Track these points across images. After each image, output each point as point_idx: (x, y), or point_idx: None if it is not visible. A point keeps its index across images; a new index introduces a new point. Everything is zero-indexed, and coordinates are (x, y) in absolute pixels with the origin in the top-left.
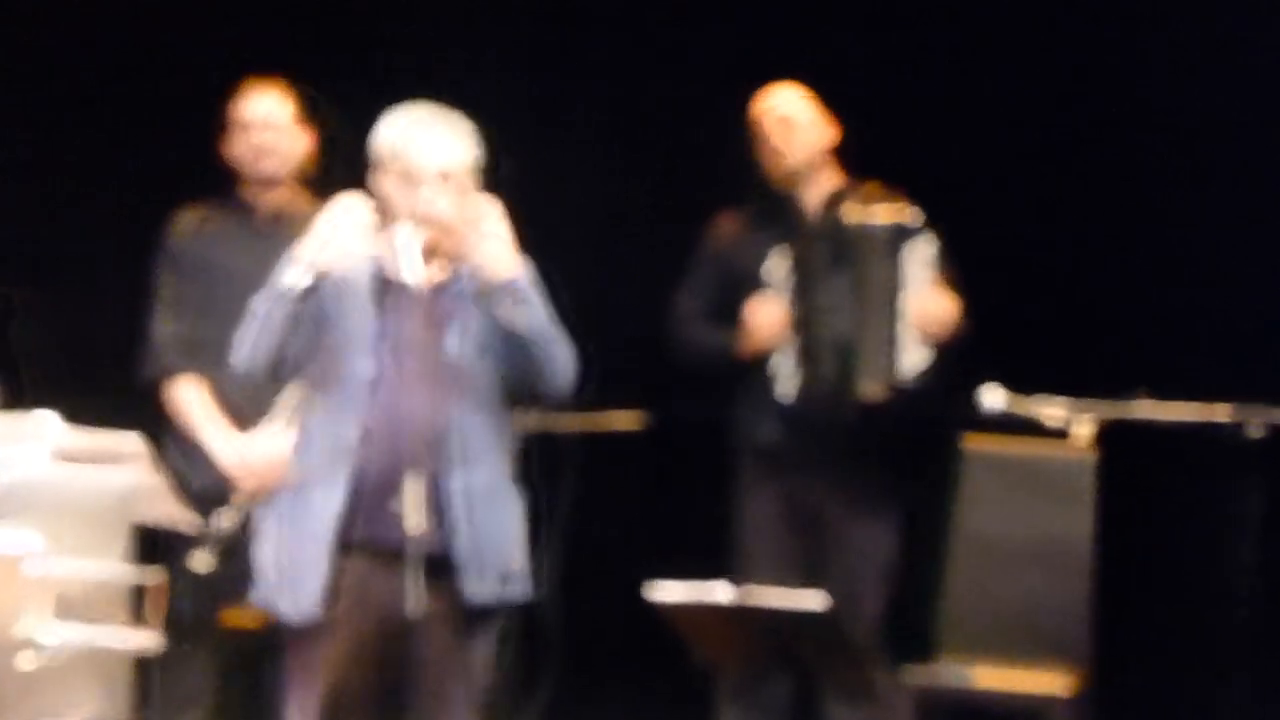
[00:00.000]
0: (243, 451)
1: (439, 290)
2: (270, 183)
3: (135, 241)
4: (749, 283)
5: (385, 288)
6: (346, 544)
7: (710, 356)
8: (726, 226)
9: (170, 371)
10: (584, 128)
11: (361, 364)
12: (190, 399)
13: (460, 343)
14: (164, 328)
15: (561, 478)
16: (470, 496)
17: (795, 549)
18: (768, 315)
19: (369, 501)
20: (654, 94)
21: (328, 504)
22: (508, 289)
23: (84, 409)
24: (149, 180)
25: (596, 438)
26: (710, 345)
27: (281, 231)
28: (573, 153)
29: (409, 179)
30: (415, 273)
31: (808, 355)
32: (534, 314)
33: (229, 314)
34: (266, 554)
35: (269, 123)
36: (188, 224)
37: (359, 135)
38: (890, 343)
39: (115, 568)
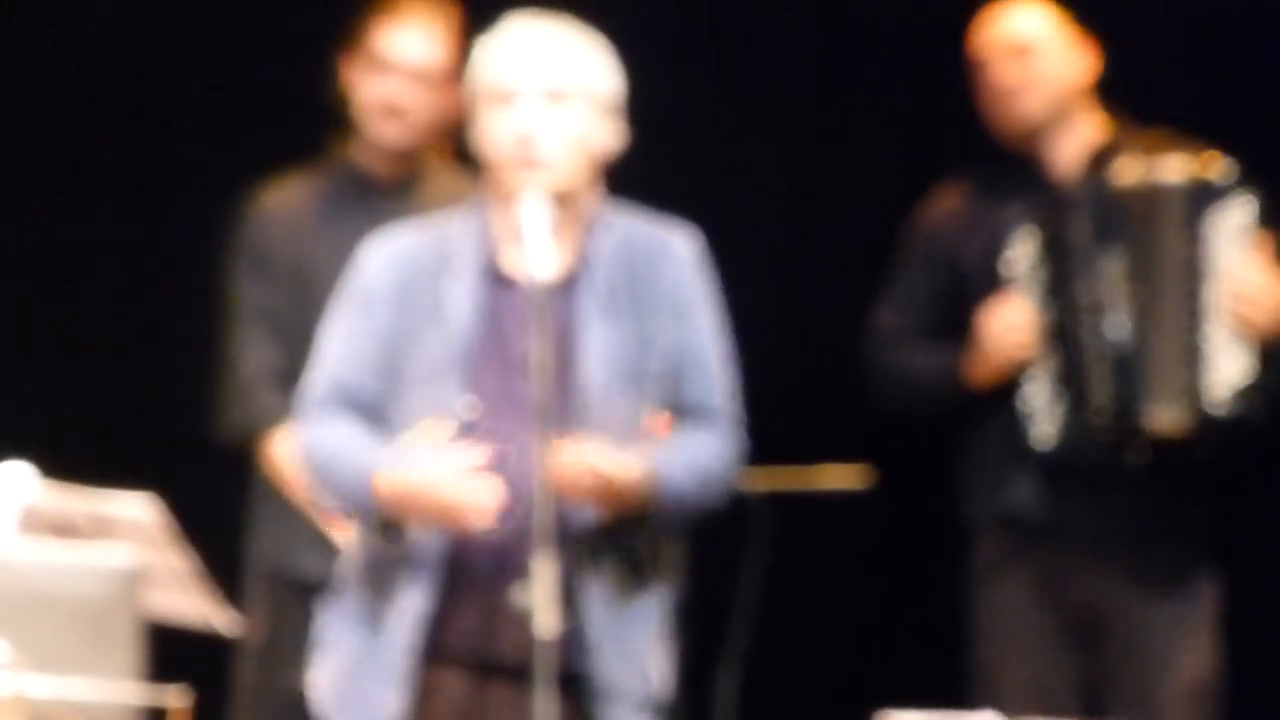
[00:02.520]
0: None
1: (566, 288)
2: (389, 154)
3: (161, 226)
4: (980, 280)
5: (494, 285)
6: (438, 654)
7: (927, 388)
8: (943, 205)
9: (266, 420)
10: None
11: (455, 399)
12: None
13: (598, 364)
14: (251, 358)
15: (748, 558)
16: (607, 593)
17: (1063, 661)
18: (1009, 323)
19: (471, 595)
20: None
21: (411, 597)
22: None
23: (70, 460)
24: (208, 130)
25: (799, 500)
26: (926, 372)
27: (410, 213)
28: (764, 114)
29: (502, 101)
30: (545, 261)
31: (1071, 377)
32: (678, 498)
33: None
34: (326, 665)
35: (415, 69)
36: (269, 210)
37: None
38: (1194, 351)
39: (118, 685)
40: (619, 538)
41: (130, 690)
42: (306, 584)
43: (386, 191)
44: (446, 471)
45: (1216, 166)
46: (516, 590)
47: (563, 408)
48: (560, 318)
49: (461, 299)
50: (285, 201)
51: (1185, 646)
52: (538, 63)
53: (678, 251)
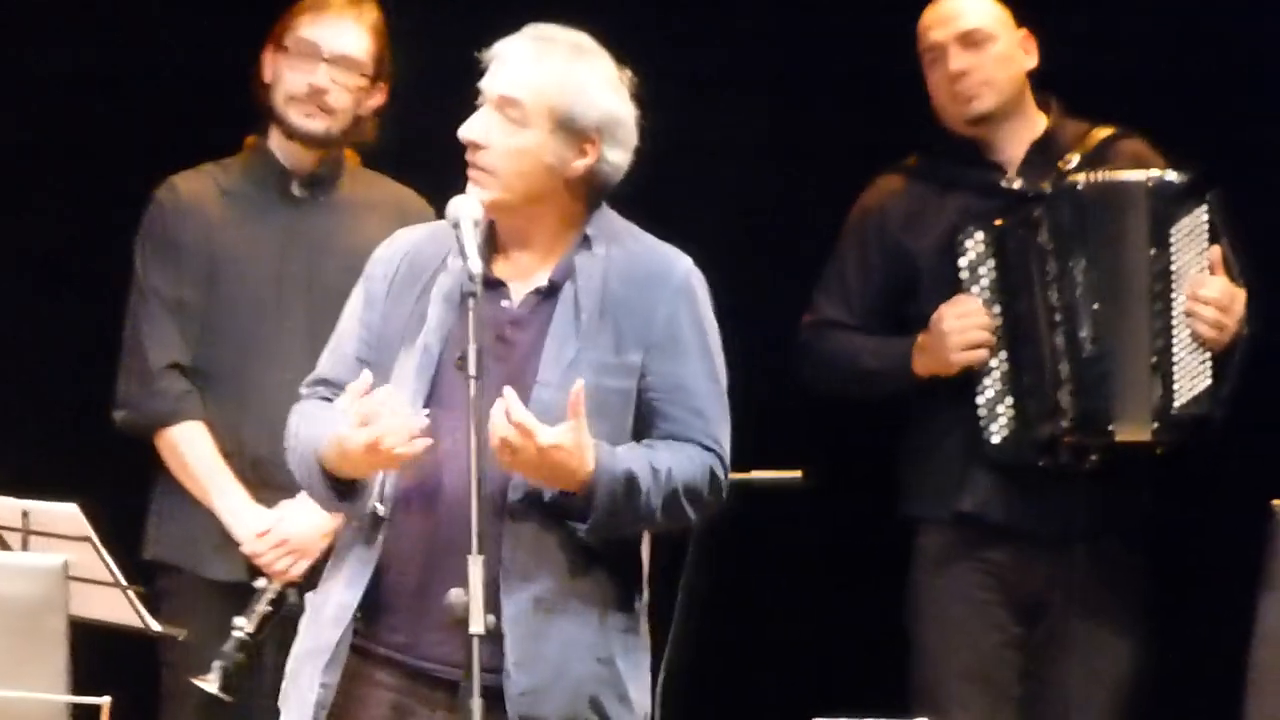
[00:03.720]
0: (273, 526)
1: (539, 302)
2: (313, 144)
3: (86, 216)
4: (935, 275)
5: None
6: (367, 650)
7: (876, 374)
8: (888, 194)
9: (168, 416)
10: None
11: (410, 397)
12: (197, 454)
13: (554, 380)
14: (155, 351)
15: (687, 566)
16: (533, 615)
17: (1008, 654)
18: (967, 323)
19: (405, 593)
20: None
21: (347, 590)
22: (580, 507)
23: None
24: (114, 122)
25: (738, 502)
26: (873, 358)
27: (327, 208)
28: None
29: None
30: (474, 259)
31: (1033, 380)
32: (633, 510)
33: (247, 328)
34: (291, 656)
35: (341, 57)
36: (183, 197)
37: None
38: (1158, 356)
39: (45, 688)
40: (557, 512)
41: (56, 693)
42: (212, 582)
43: (304, 186)
44: (367, 414)
45: (1174, 171)
46: (455, 593)
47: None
48: (528, 331)
49: (439, 302)
50: (199, 191)
51: (1128, 642)
52: (502, 70)
53: (672, 281)
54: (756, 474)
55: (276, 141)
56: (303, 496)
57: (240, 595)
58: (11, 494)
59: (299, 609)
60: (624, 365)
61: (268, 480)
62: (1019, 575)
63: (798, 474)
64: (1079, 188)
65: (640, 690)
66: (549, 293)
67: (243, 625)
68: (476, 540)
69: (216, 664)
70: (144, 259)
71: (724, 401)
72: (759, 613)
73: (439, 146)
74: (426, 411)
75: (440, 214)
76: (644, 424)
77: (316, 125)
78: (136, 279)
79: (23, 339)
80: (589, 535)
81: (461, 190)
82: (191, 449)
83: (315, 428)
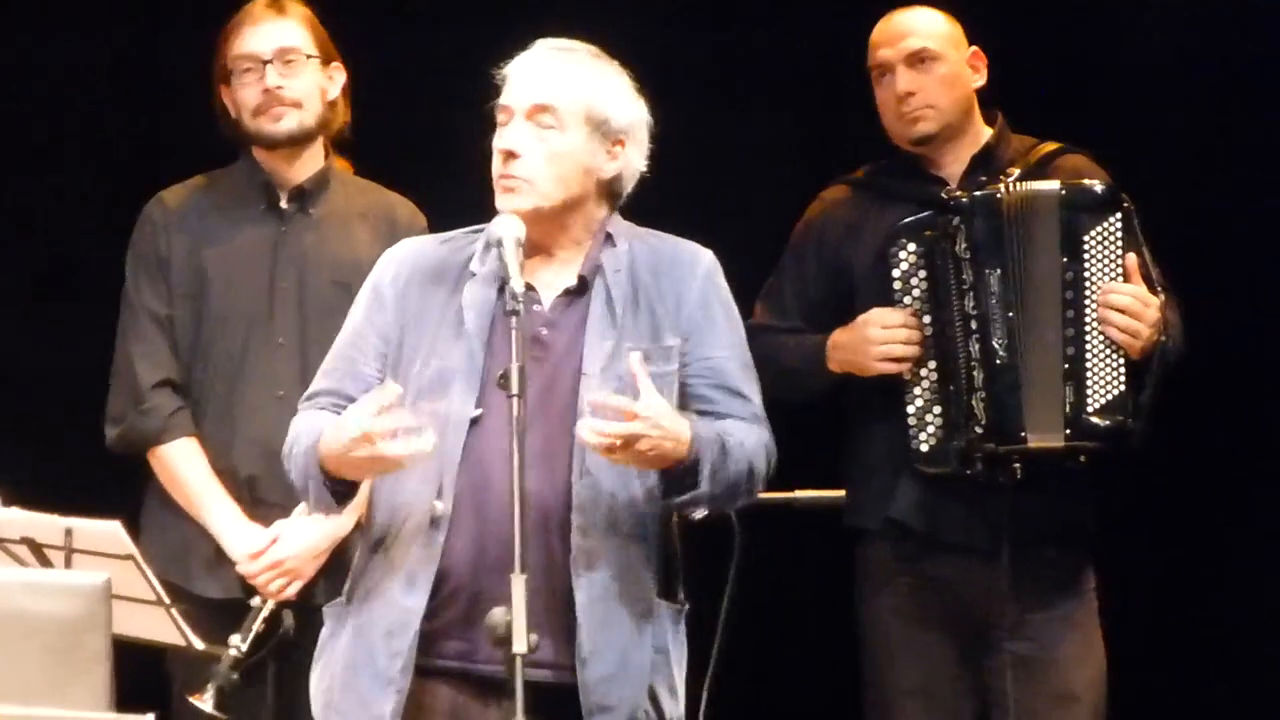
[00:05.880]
0: (267, 547)
1: (573, 302)
2: (291, 147)
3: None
4: (868, 287)
5: (510, 314)
6: (429, 666)
7: (792, 377)
8: (832, 206)
9: (160, 433)
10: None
11: (461, 400)
12: (190, 471)
13: (599, 376)
14: (145, 368)
15: (728, 576)
16: (602, 605)
17: (953, 667)
18: (889, 336)
19: (458, 603)
20: None
21: (408, 593)
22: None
23: (34, 484)
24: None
25: (777, 512)
26: (788, 359)
27: (316, 220)
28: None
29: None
30: (516, 282)
31: (951, 389)
32: (721, 480)
33: (238, 344)
34: (323, 670)
35: (277, 52)
36: (172, 211)
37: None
38: (1071, 364)
39: (86, 711)
40: (664, 493)
41: (99, 712)
42: (200, 599)
43: (292, 199)
44: (366, 421)
45: (1095, 174)
46: (497, 613)
47: (559, 428)
48: (562, 331)
49: (473, 311)
50: (187, 206)
51: (1075, 650)
52: (529, 81)
53: (699, 269)
54: (800, 493)
55: (262, 158)
56: (296, 515)
57: (236, 612)
58: (55, 511)
59: (293, 629)
60: (663, 350)
61: (261, 497)
62: (955, 589)
63: (842, 493)
64: (996, 197)
65: (681, 683)
66: (579, 291)
67: (237, 644)
68: (519, 558)
69: (211, 683)
70: (134, 275)
71: (758, 384)
72: (795, 616)
73: (431, 158)
74: (478, 413)
75: (432, 223)
76: (684, 409)
77: (289, 122)
78: (127, 295)
79: (65, 357)
80: (706, 505)
81: (454, 201)
82: (184, 466)
83: (311, 438)
